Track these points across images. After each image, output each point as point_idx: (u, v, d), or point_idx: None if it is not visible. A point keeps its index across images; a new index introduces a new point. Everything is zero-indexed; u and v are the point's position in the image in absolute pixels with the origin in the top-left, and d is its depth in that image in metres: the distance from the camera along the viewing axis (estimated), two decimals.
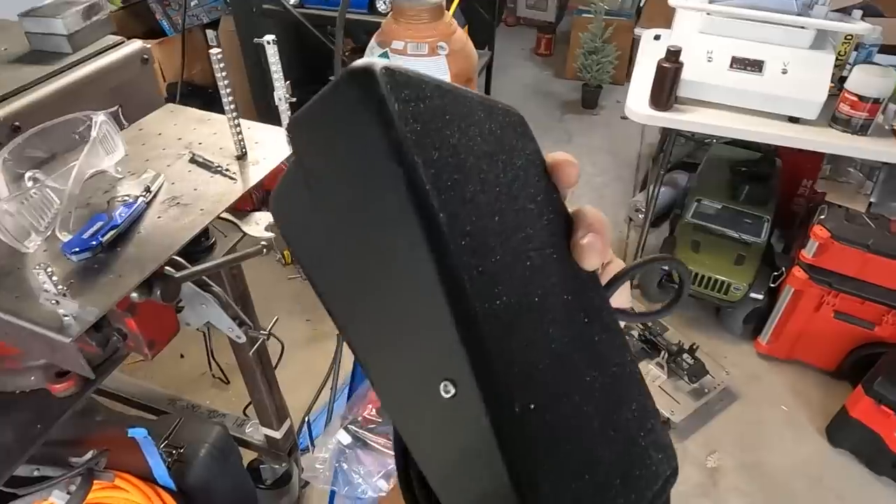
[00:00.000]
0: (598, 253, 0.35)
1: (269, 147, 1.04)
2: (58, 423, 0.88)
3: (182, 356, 2.57)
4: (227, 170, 0.92)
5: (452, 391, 0.26)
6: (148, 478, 1.49)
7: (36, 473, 1.39)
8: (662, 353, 2.34)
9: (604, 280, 0.39)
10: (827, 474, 2.15)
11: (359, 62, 0.27)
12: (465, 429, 0.26)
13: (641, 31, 2.86)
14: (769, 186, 2.68)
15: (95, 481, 1.33)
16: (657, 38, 2.58)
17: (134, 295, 0.77)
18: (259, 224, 1.24)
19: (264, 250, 0.97)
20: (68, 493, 1.26)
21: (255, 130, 1.05)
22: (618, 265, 0.41)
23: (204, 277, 1.02)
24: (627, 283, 0.41)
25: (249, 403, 1.89)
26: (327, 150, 0.28)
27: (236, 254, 0.91)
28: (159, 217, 0.81)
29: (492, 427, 0.25)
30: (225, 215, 1.27)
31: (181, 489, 1.57)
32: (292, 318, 2.74)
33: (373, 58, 0.29)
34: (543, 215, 0.34)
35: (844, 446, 2.21)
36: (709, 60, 2.15)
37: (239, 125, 0.98)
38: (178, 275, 0.84)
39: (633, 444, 0.33)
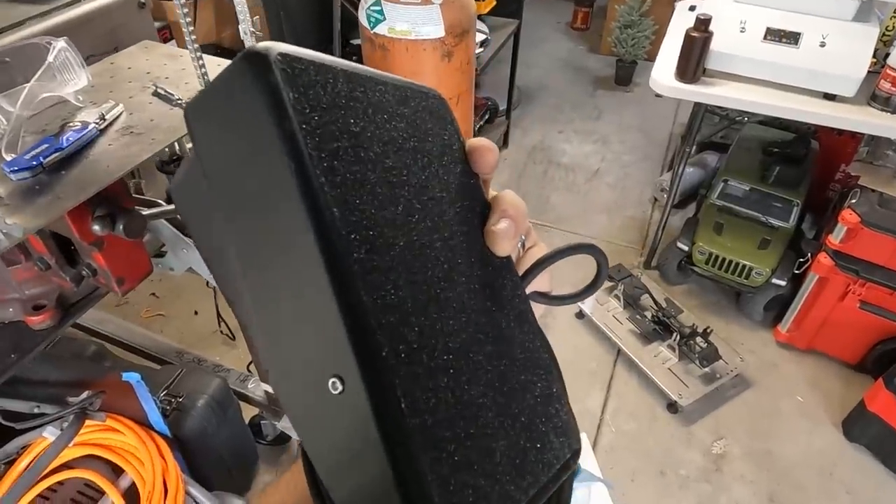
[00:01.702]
0: (509, 239, 0.34)
1: None
2: (32, 354, 0.90)
3: (196, 313, 2.62)
4: (185, 103, 0.91)
5: (340, 388, 0.25)
6: (145, 423, 1.52)
7: (36, 410, 1.43)
8: (675, 335, 2.28)
9: (525, 265, 0.39)
10: (839, 468, 2.07)
11: (257, 45, 0.26)
12: (352, 427, 0.25)
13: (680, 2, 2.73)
14: (802, 169, 2.56)
15: (89, 421, 1.37)
16: (692, 8, 2.45)
17: (96, 227, 0.77)
18: None
19: None
20: (61, 429, 1.30)
21: (223, 67, 1.04)
22: (541, 250, 0.41)
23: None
24: (549, 268, 0.40)
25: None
26: (221, 139, 0.27)
27: None
28: (110, 144, 0.81)
29: (378, 428, 0.24)
30: None
31: (177, 436, 1.60)
32: None
33: (274, 43, 0.26)
34: (456, 203, 0.33)
35: (860, 441, 2.12)
36: (741, 31, 2.04)
37: (202, 60, 0.97)
38: (145, 212, 0.84)
39: (531, 429, 0.33)
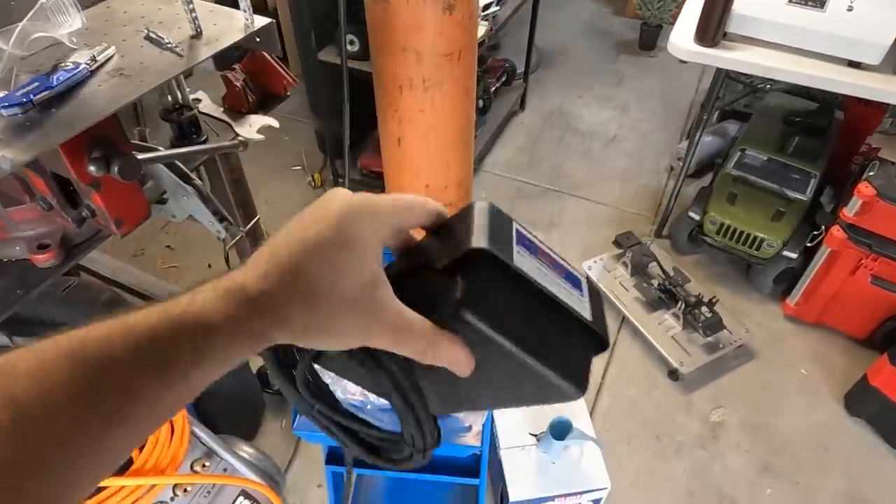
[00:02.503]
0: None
1: (224, 28, 1.04)
2: (36, 289, 0.94)
3: (210, 266, 2.68)
4: (176, 47, 0.92)
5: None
6: None
7: None
8: (680, 303, 2.27)
9: None
10: (837, 442, 2.08)
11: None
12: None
13: None
14: (823, 140, 2.49)
15: None
16: None
17: (92, 168, 0.79)
18: (252, 126, 1.25)
19: (240, 146, 0.98)
20: None
21: (217, 14, 1.06)
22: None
23: (184, 169, 1.05)
24: None
25: None
26: None
27: (203, 146, 0.92)
28: (100, 85, 0.83)
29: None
30: (219, 115, 1.29)
31: None
32: None
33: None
34: None
35: (861, 416, 2.12)
36: None
37: (192, 5, 0.98)
38: (141, 156, 0.86)
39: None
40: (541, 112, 3.59)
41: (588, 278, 0.47)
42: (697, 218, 2.51)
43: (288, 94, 1.34)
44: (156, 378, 0.32)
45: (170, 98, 1.13)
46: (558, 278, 0.42)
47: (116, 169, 0.79)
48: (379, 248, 0.38)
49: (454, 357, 0.38)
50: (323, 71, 2.54)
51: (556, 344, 0.40)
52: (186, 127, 1.15)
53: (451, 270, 0.38)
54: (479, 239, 0.37)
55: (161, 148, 1.02)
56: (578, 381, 0.40)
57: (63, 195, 0.87)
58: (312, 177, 3.07)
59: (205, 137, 1.20)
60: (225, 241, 1.13)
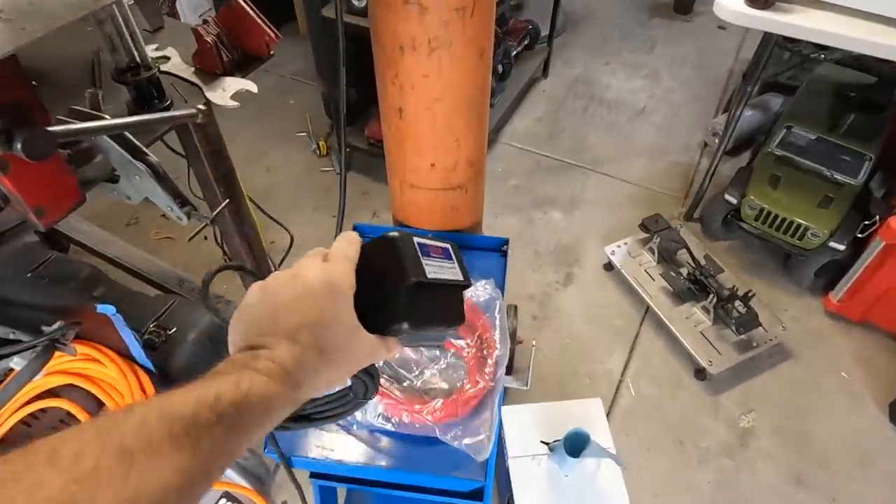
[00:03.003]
0: None
1: None
2: None
3: (206, 238, 2.52)
4: None
5: None
6: (128, 355, 1.43)
7: (11, 336, 1.35)
8: (711, 296, 2.07)
9: None
10: (878, 454, 1.89)
11: None
12: None
13: None
14: (881, 119, 2.24)
15: (60, 354, 1.28)
16: None
17: None
18: (226, 91, 1.06)
19: (198, 117, 0.79)
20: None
21: None
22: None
23: (136, 143, 0.86)
24: None
25: None
26: None
27: (148, 117, 0.72)
28: None
29: None
30: (189, 77, 1.09)
31: (164, 371, 1.52)
32: (318, 214, 2.62)
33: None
34: None
35: None
36: None
37: None
38: (56, 128, 0.68)
39: None
40: (564, 79, 3.33)
41: (452, 245, 0.60)
42: (734, 202, 2.28)
43: (272, 53, 1.14)
44: (234, 439, 0.43)
45: (124, 55, 0.94)
46: (443, 261, 0.57)
47: (19, 145, 0.61)
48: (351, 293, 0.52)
49: (396, 352, 0.57)
50: (328, 28, 2.32)
51: (448, 307, 0.59)
52: (146, 90, 0.97)
53: (391, 293, 0.53)
54: (410, 275, 0.53)
55: (107, 116, 0.83)
56: (461, 317, 0.60)
57: None
58: (318, 144, 2.87)
59: (168, 102, 1.02)
60: (187, 229, 0.95)
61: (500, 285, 1.25)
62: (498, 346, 1.16)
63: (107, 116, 0.84)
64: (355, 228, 1.45)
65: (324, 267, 0.51)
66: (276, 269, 1.79)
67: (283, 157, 2.90)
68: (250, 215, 1.44)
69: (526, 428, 1.57)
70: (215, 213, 1.08)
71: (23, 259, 1.82)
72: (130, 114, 1.00)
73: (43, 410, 1.38)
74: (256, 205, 1.94)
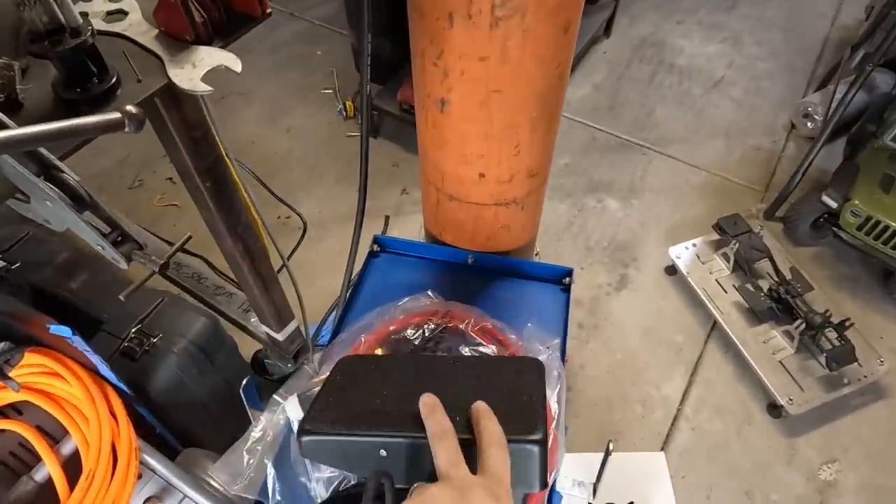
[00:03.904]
0: None
1: None
2: None
3: None
4: None
5: None
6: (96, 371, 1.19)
7: None
8: (798, 321, 1.73)
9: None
10: None
11: None
12: None
13: None
14: None
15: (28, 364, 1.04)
16: None
17: None
18: (197, 67, 0.75)
19: (126, 125, 0.48)
20: None
21: None
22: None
23: (45, 154, 0.57)
24: None
25: None
26: None
27: (15, 132, 0.41)
28: None
29: None
30: (148, 44, 0.78)
31: (141, 389, 1.27)
32: (341, 186, 2.32)
33: None
34: None
35: None
36: None
37: None
38: None
39: None
40: (629, 41, 2.89)
41: None
42: (834, 205, 1.90)
43: (268, 11, 0.81)
44: None
45: (40, 12, 0.63)
46: None
47: None
48: None
49: None
50: None
51: None
52: (76, 64, 0.67)
53: None
54: None
55: (4, 118, 0.54)
56: None
57: None
58: (344, 104, 2.54)
59: (112, 81, 0.71)
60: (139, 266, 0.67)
61: (562, 337, 0.95)
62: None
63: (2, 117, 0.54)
64: (376, 241, 1.14)
65: None
66: (284, 262, 1.50)
67: (306, 117, 2.58)
68: (245, 211, 1.14)
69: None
70: (167, 256, 0.78)
71: None
72: (56, 97, 0.70)
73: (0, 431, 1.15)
74: (263, 184, 1.64)
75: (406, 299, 0.95)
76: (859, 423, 1.75)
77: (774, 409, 1.75)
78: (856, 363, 1.70)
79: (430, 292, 0.96)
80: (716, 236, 2.01)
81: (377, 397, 0.65)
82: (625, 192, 2.30)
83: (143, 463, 1.18)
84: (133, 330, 1.36)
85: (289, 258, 1.63)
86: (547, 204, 2.29)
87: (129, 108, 0.51)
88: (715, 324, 1.91)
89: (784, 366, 1.74)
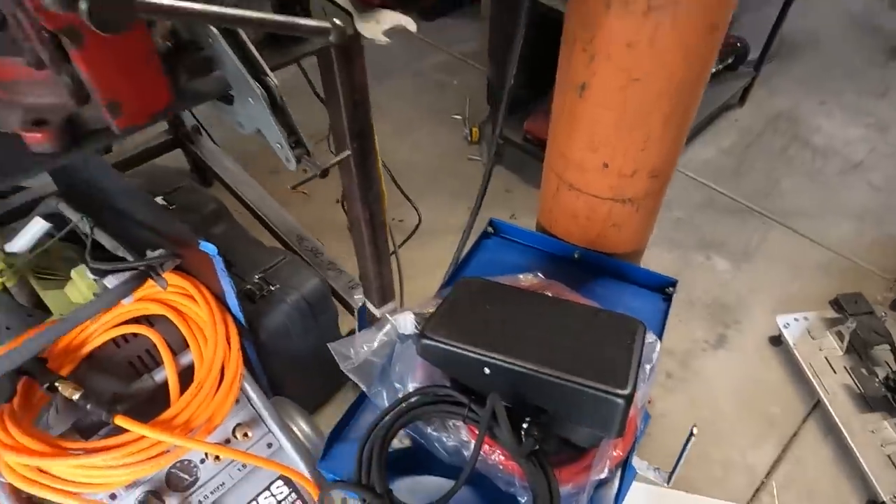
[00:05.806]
0: None
1: None
2: (18, 177, 0.66)
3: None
4: None
5: None
6: (224, 301, 1.33)
7: (119, 253, 1.30)
8: None
9: None
10: None
11: None
12: None
13: None
14: None
15: (154, 283, 1.19)
16: None
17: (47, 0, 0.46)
18: (380, 24, 0.88)
19: (331, 34, 0.60)
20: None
21: None
22: None
23: (258, 59, 0.70)
24: None
25: None
26: None
27: (258, 14, 0.53)
28: None
29: None
30: (343, 4, 0.92)
31: (253, 328, 1.41)
32: (455, 201, 2.44)
33: None
34: None
35: None
36: None
37: None
38: None
39: None
40: (765, 112, 2.85)
41: None
42: None
43: None
44: None
45: None
46: None
47: (86, 6, 0.46)
48: None
49: None
50: (510, 8, 2.12)
51: None
52: (289, 3, 0.81)
53: None
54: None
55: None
56: None
57: (57, 49, 0.57)
58: (470, 130, 2.69)
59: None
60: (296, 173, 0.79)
61: (658, 336, 0.96)
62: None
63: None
64: (491, 223, 1.22)
65: None
66: (395, 248, 1.61)
67: (432, 136, 2.76)
68: (378, 182, 1.26)
69: None
70: (330, 164, 0.91)
71: (160, 181, 1.83)
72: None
73: (135, 335, 1.31)
74: (392, 176, 1.78)
75: (512, 276, 1.01)
76: None
77: None
78: None
79: (538, 272, 1.00)
80: (831, 314, 1.90)
81: (488, 320, 0.72)
82: (737, 256, 2.24)
83: (242, 391, 1.30)
84: (257, 276, 1.52)
85: (399, 246, 1.75)
86: (653, 251, 2.28)
87: (336, 20, 0.63)
88: (818, 403, 1.79)
89: (892, 461, 1.60)
